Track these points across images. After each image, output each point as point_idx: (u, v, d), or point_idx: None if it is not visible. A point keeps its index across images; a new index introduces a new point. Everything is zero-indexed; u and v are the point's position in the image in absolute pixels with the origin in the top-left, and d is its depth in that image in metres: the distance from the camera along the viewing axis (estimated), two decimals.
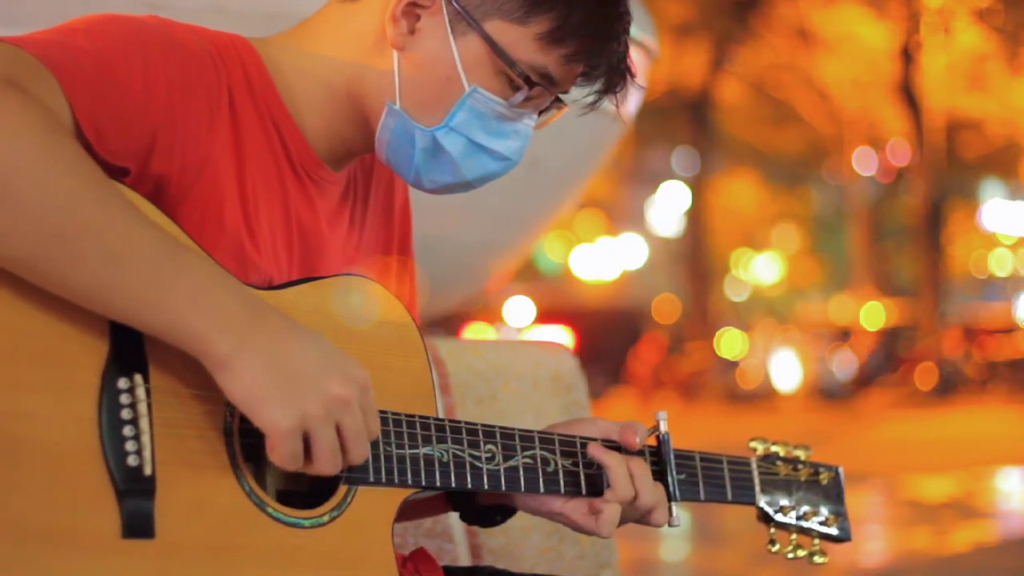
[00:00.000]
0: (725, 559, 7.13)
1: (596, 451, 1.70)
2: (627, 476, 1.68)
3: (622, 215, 34.16)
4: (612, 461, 1.68)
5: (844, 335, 26.62)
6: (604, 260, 33.99)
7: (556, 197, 3.68)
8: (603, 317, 28.95)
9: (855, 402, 22.99)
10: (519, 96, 1.59)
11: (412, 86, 1.59)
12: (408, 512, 1.78)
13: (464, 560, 2.43)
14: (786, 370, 25.65)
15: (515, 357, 2.65)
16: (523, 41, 1.57)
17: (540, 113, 1.66)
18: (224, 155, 1.51)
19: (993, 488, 10.54)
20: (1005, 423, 16.46)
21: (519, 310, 28.80)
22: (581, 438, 1.71)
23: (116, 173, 1.43)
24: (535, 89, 1.59)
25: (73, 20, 1.48)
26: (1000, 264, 35.01)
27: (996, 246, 34.50)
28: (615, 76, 1.63)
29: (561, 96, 1.65)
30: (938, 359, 24.51)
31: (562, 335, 25.54)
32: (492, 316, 27.08)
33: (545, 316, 28.25)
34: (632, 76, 1.64)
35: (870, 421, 18.07)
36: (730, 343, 27.97)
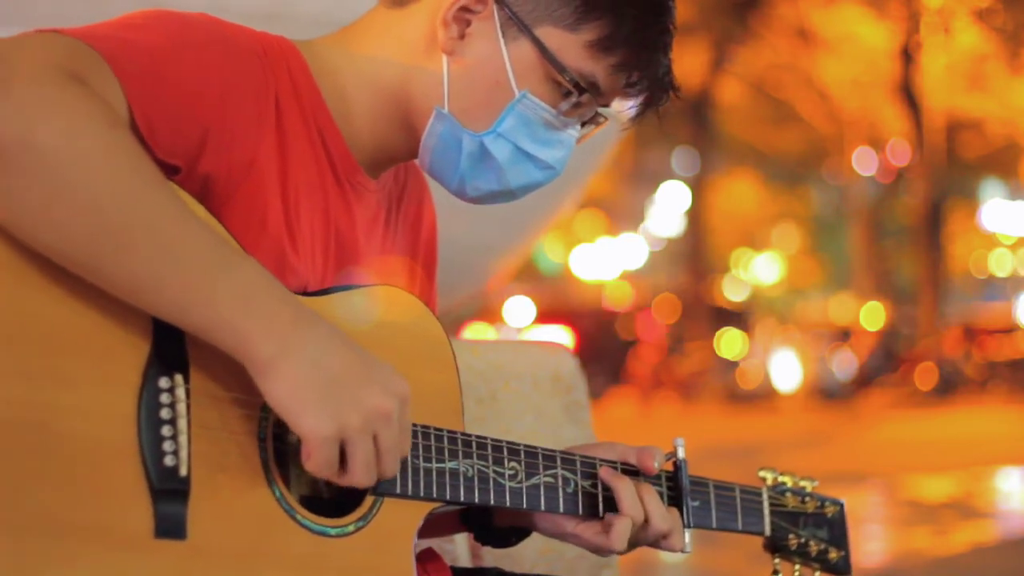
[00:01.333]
0: (725, 559, 7.12)
1: (606, 474, 1.70)
2: (635, 498, 1.69)
3: (622, 215, 34.14)
4: (620, 484, 1.69)
5: (844, 335, 26.61)
6: (604, 260, 33.98)
7: (556, 197, 3.68)
8: (603, 317, 28.94)
9: (855, 402, 22.98)
10: (567, 103, 1.60)
11: (461, 91, 1.59)
12: (423, 531, 1.78)
13: (464, 560, 2.43)
14: (786, 370, 25.64)
15: (515, 357, 2.65)
16: (573, 48, 1.57)
17: (583, 126, 1.66)
18: (269, 158, 1.51)
19: (993, 488, 10.55)
20: (1005, 423, 16.46)
21: (519, 310, 28.79)
22: (601, 460, 1.72)
23: (167, 171, 1.42)
24: (584, 97, 1.59)
25: (127, 15, 1.48)
26: (1000, 264, 35.01)
27: (996, 246, 34.50)
28: (659, 89, 1.63)
29: (602, 110, 1.65)
30: (938, 359, 24.51)
31: (562, 335, 25.53)
32: (492, 316, 27.07)
33: (545, 316, 28.24)
34: (676, 90, 1.65)
35: (870, 421, 18.07)
36: (730, 343, 27.97)
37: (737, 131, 30.59)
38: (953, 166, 28.92)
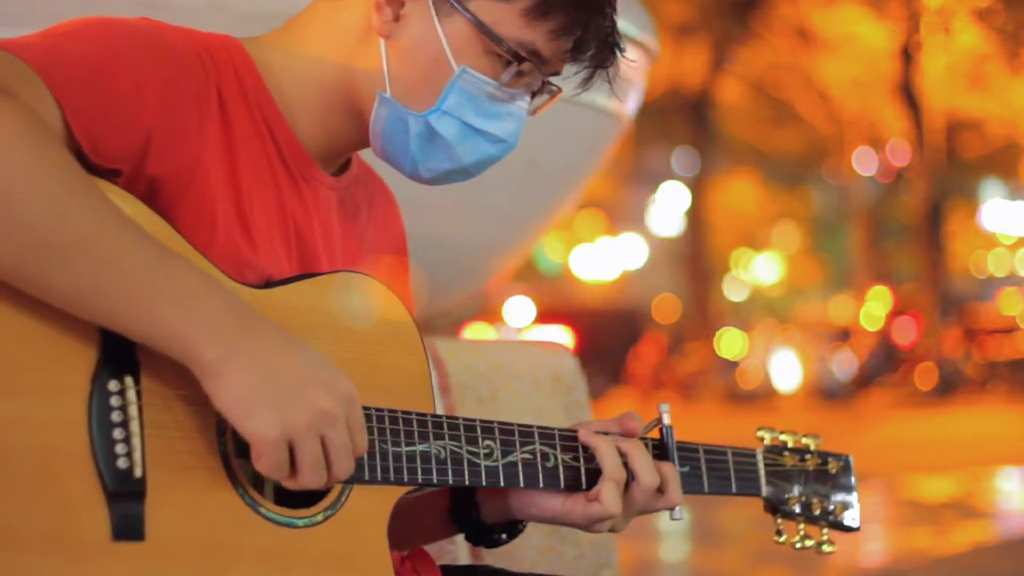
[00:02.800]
0: (725, 559, 7.13)
1: (585, 435, 1.69)
2: (616, 456, 1.67)
3: (622, 215, 34.15)
4: (599, 443, 1.67)
5: (844, 335, 26.60)
6: (604, 260, 33.99)
7: (556, 197, 3.68)
8: (603, 317, 28.94)
9: (855, 402, 22.98)
10: (508, 74, 1.59)
11: (401, 73, 1.59)
12: (415, 536, 1.78)
13: (464, 560, 2.42)
14: (786, 370, 25.63)
15: (515, 357, 2.65)
16: (509, 18, 1.56)
17: (533, 97, 1.65)
18: (216, 157, 1.51)
19: (993, 488, 10.54)
20: (1005, 423, 16.45)
21: (519, 310, 28.79)
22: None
23: (107, 175, 1.42)
24: (524, 66, 1.59)
25: (61, 23, 1.48)
26: (1000, 264, 34.99)
27: (996, 246, 34.49)
28: (604, 50, 1.62)
29: (552, 79, 1.64)
30: (938, 359, 24.50)
31: (562, 335, 25.54)
32: (492, 316, 27.07)
33: (545, 316, 28.25)
34: (622, 50, 1.63)
35: (870, 421, 18.06)
36: (730, 343, 27.96)
37: (737, 131, 30.58)
38: (953, 166, 28.90)
